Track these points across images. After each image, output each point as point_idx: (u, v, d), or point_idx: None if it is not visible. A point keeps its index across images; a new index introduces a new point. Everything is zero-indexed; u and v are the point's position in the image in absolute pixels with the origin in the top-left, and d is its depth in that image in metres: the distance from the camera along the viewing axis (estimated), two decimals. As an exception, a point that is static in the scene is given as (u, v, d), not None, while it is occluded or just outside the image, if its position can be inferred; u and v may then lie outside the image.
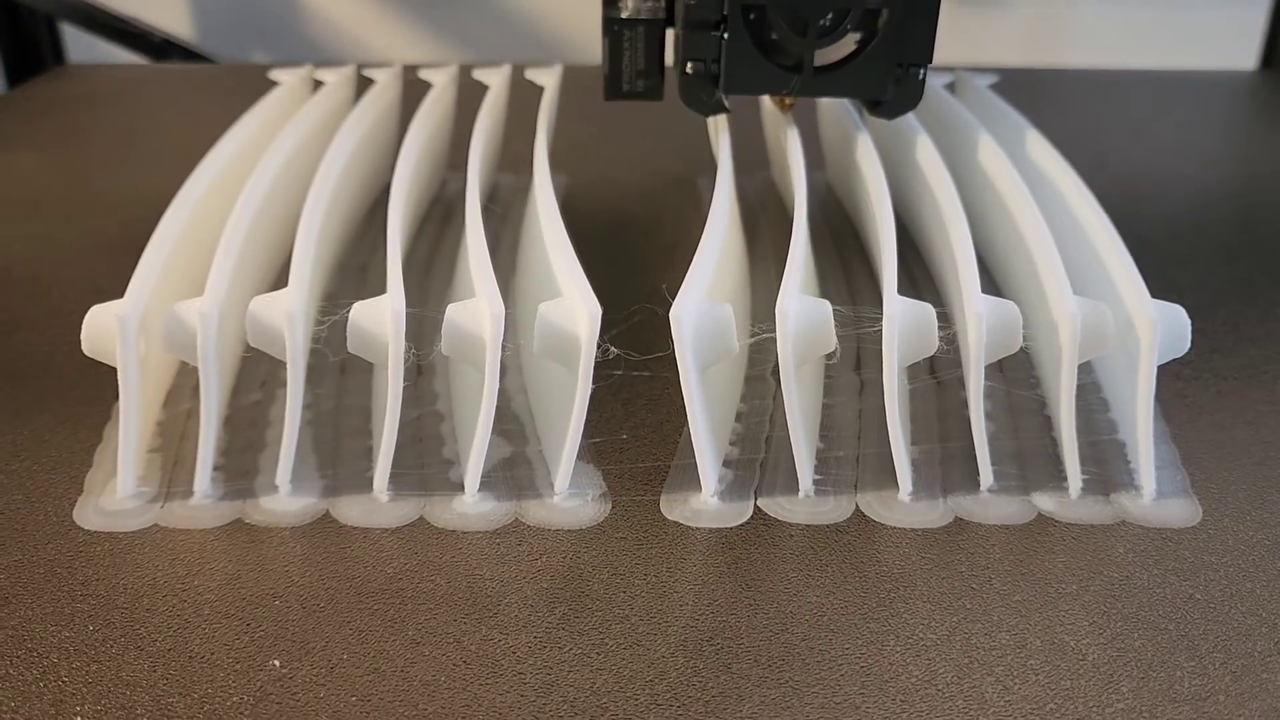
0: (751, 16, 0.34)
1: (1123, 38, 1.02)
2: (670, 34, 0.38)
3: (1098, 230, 0.32)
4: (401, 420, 0.28)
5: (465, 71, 0.49)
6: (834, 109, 0.44)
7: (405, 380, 0.28)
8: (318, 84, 0.47)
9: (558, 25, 0.94)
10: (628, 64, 0.38)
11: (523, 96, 0.47)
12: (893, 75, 0.35)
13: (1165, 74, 0.77)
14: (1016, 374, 0.34)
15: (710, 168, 0.45)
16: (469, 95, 0.46)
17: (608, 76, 0.38)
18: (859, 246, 0.43)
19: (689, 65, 0.35)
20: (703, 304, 0.28)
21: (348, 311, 0.28)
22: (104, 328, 0.27)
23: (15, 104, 0.68)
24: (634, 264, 0.43)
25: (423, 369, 0.35)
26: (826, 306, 0.28)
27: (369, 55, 0.95)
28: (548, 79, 0.47)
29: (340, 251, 0.41)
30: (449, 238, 0.44)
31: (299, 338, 0.28)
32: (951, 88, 0.48)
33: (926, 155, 0.36)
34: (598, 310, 0.27)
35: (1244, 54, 0.84)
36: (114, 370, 0.28)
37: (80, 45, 0.85)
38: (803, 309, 0.28)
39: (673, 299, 0.27)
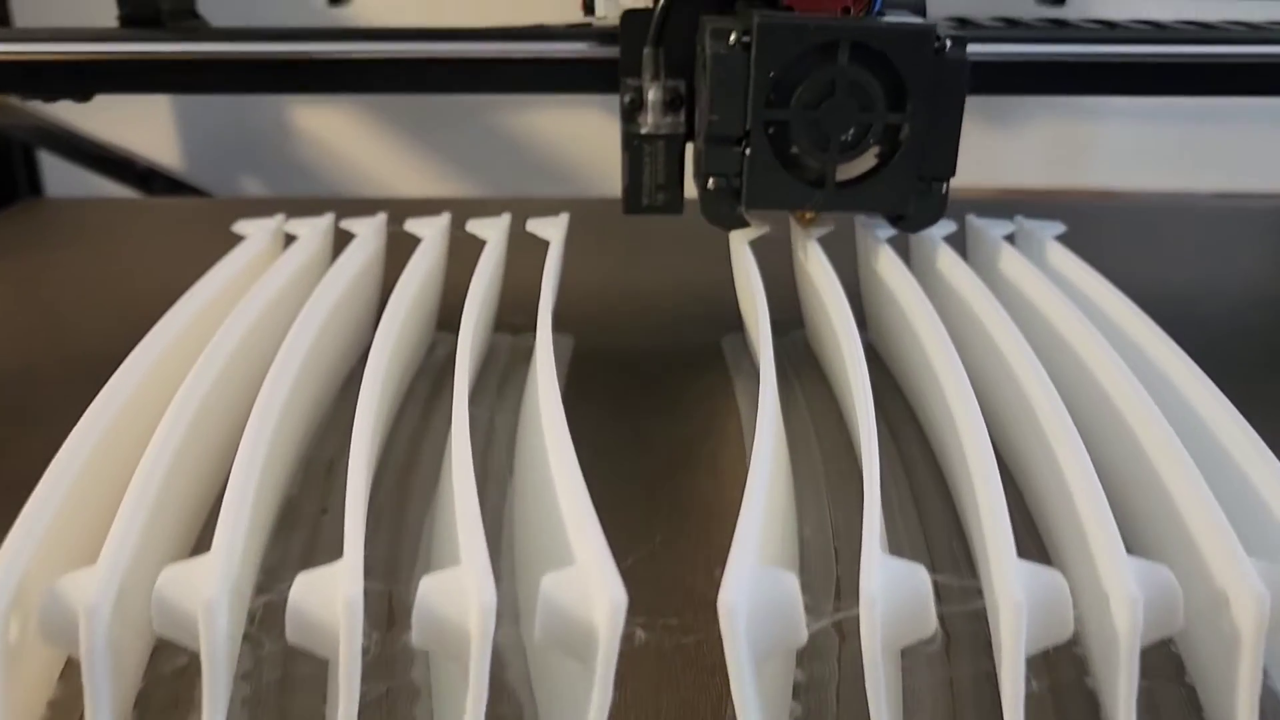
0: (773, 131, 0.34)
1: (1149, 157, 0.98)
2: (690, 148, 0.38)
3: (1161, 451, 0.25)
4: (365, 698, 0.21)
5: (460, 209, 0.43)
6: (876, 267, 0.38)
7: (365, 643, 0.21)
8: (290, 237, 0.41)
9: (564, 153, 0.89)
10: (648, 178, 0.39)
11: (523, 245, 0.41)
12: (915, 189, 0.35)
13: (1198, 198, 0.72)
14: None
15: (732, 314, 0.42)
16: (463, 247, 0.40)
17: (627, 190, 0.39)
18: (916, 431, 0.36)
19: (710, 181, 0.35)
20: (758, 579, 0.21)
21: (287, 589, 0.21)
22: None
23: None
24: (652, 461, 0.37)
25: (395, 619, 0.28)
26: (925, 579, 0.21)
27: (366, 185, 0.90)
28: (553, 232, 0.41)
29: (301, 447, 0.34)
30: (434, 426, 0.37)
31: (220, 632, 0.20)
32: (1011, 238, 0.42)
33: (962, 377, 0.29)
34: (622, 598, 0.20)
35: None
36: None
37: (58, 173, 0.80)
38: (890, 583, 0.21)
39: (719, 567, 0.20)
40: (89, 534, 0.24)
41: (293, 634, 0.21)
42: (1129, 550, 0.22)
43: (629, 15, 0.37)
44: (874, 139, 0.34)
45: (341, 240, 0.41)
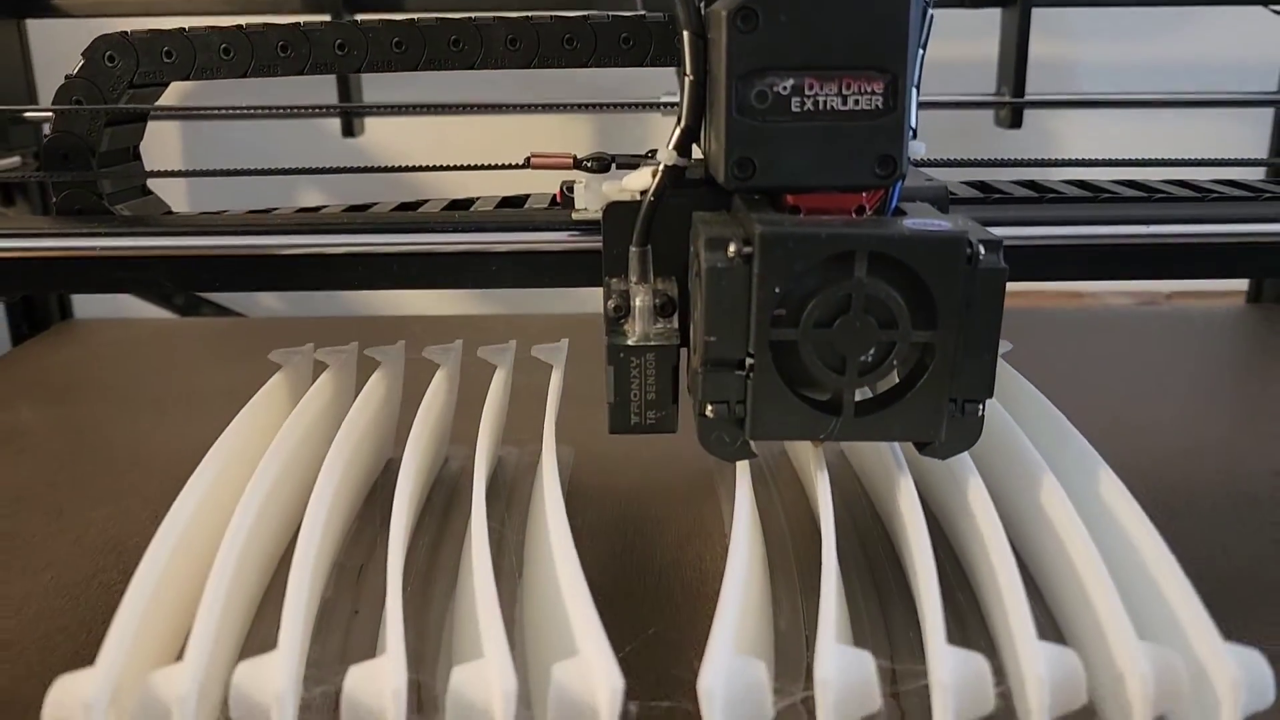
0: (780, 352, 0.29)
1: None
2: (684, 355, 0.34)
3: (1150, 551, 0.30)
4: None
5: (468, 326, 0.48)
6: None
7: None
8: (320, 364, 0.46)
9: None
10: (636, 395, 0.34)
11: (527, 366, 0.46)
12: (945, 413, 0.30)
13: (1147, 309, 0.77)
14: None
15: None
16: (474, 368, 0.45)
17: (614, 407, 0.34)
18: (889, 551, 0.41)
19: (709, 408, 0.30)
20: (731, 667, 0.25)
21: (341, 681, 0.25)
22: (67, 710, 0.25)
23: (11, 366, 0.67)
24: (645, 559, 0.41)
25: (423, 704, 0.32)
26: (870, 665, 0.26)
27: (390, 303, 0.95)
28: (556, 357, 0.46)
29: (336, 554, 0.38)
30: (451, 533, 0.42)
31: (289, 718, 0.25)
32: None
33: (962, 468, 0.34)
34: (620, 684, 0.24)
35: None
36: None
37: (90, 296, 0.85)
38: (843, 669, 0.25)
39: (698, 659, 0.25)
40: (166, 636, 0.28)
41: (346, 717, 0.25)
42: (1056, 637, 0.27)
43: (612, 209, 0.34)
44: (897, 360, 0.29)
45: (364, 364, 0.46)
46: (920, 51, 0.31)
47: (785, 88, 0.29)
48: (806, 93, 0.29)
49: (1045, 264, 0.39)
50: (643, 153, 0.36)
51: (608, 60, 0.38)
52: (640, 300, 0.33)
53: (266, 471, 0.34)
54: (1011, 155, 0.44)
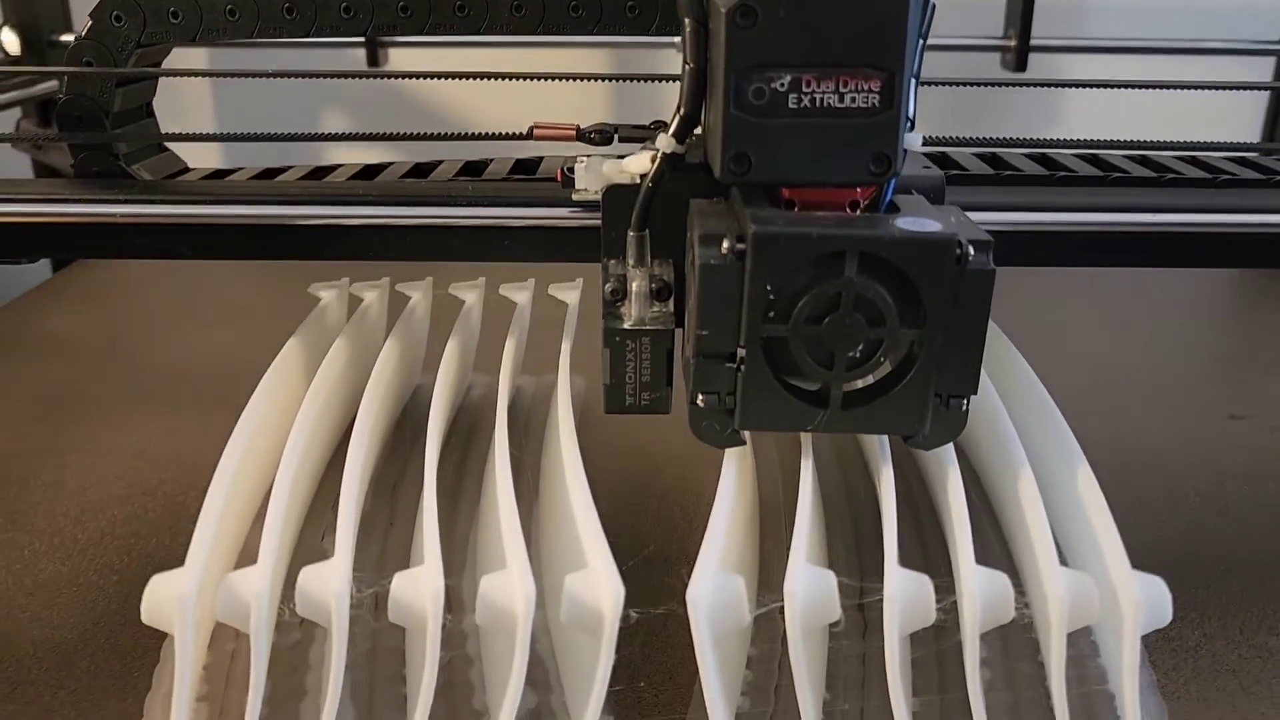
0: (770, 346, 0.30)
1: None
2: (679, 338, 0.34)
3: (1084, 491, 0.34)
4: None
5: (493, 266, 0.52)
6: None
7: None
8: (355, 298, 0.50)
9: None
10: (631, 377, 0.34)
11: (544, 303, 0.50)
12: (930, 408, 0.31)
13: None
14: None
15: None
16: (495, 307, 0.50)
17: (609, 388, 0.35)
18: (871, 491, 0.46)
19: (700, 398, 0.31)
20: (717, 580, 0.30)
21: (388, 584, 0.30)
22: (164, 601, 0.30)
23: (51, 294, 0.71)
24: (647, 480, 0.46)
25: (453, 606, 0.37)
26: (832, 581, 0.31)
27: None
28: (570, 295, 0.50)
29: (374, 472, 0.43)
30: (475, 454, 0.47)
31: (344, 613, 0.30)
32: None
33: None
34: (621, 591, 0.29)
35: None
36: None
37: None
38: (809, 584, 0.30)
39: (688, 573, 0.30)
40: (232, 542, 0.33)
41: (393, 615, 0.30)
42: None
43: (611, 192, 0.34)
44: (885, 356, 0.30)
45: (395, 300, 0.50)
46: (921, 42, 0.31)
47: (783, 84, 0.29)
48: (804, 90, 0.29)
49: (1053, 249, 0.39)
50: (648, 123, 0.37)
51: (613, 29, 0.39)
52: (637, 285, 0.34)
53: (313, 401, 0.39)
54: (1018, 98, 0.42)
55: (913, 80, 0.31)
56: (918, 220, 0.30)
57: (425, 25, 0.39)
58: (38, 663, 0.36)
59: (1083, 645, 0.35)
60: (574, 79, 0.43)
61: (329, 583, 0.30)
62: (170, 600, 0.29)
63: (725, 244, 0.29)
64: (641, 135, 0.36)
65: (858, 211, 0.31)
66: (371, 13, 0.39)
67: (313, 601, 0.30)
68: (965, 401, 0.31)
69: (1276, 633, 0.37)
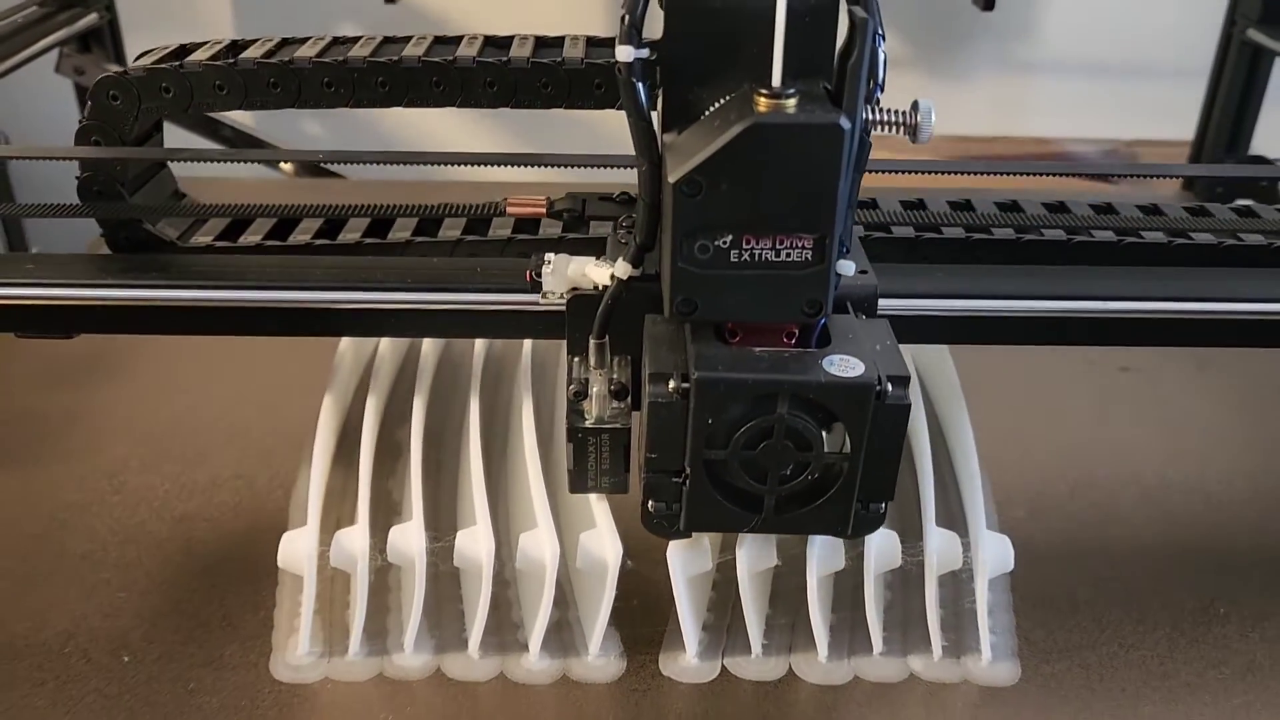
0: (713, 467, 0.35)
1: (1080, 106, 1.13)
2: (635, 428, 0.38)
3: (968, 471, 0.46)
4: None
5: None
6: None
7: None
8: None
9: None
10: (592, 466, 0.39)
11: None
12: (853, 512, 0.36)
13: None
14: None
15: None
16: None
17: (573, 474, 0.40)
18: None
19: (650, 504, 0.37)
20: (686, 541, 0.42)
21: (452, 539, 0.43)
22: (294, 553, 0.42)
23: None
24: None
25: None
26: (772, 543, 0.43)
27: (437, 173, 1.07)
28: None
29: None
30: (500, 404, 0.57)
31: (423, 561, 0.42)
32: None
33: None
34: (620, 549, 0.41)
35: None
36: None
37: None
38: (751, 549, 0.42)
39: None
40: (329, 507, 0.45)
41: (456, 560, 0.43)
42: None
43: (575, 301, 0.38)
44: (813, 475, 0.35)
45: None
46: (879, 94, 0.34)
47: (725, 242, 0.32)
48: (744, 246, 0.32)
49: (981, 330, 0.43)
50: (614, 195, 0.43)
51: (580, 103, 0.41)
52: (597, 388, 0.38)
53: (374, 400, 0.50)
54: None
55: (848, 210, 0.34)
56: (845, 360, 0.34)
57: (403, 99, 0.42)
58: (189, 581, 0.48)
59: (962, 571, 0.47)
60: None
61: (412, 538, 0.42)
62: (299, 551, 0.42)
63: (672, 384, 0.34)
64: (609, 212, 0.42)
65: (793, 342, 0.35)
66: (352, 88, 0.41)
67: (401, 553, 0.43)
68: (883, 505, 0.36)
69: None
